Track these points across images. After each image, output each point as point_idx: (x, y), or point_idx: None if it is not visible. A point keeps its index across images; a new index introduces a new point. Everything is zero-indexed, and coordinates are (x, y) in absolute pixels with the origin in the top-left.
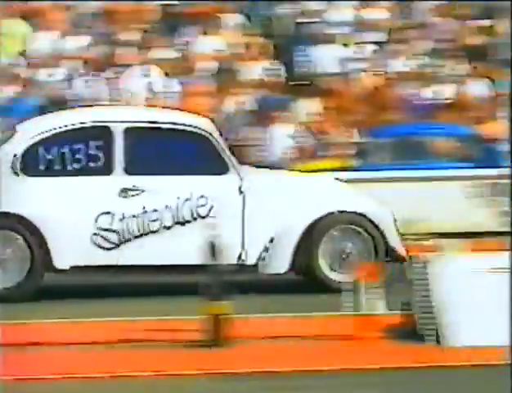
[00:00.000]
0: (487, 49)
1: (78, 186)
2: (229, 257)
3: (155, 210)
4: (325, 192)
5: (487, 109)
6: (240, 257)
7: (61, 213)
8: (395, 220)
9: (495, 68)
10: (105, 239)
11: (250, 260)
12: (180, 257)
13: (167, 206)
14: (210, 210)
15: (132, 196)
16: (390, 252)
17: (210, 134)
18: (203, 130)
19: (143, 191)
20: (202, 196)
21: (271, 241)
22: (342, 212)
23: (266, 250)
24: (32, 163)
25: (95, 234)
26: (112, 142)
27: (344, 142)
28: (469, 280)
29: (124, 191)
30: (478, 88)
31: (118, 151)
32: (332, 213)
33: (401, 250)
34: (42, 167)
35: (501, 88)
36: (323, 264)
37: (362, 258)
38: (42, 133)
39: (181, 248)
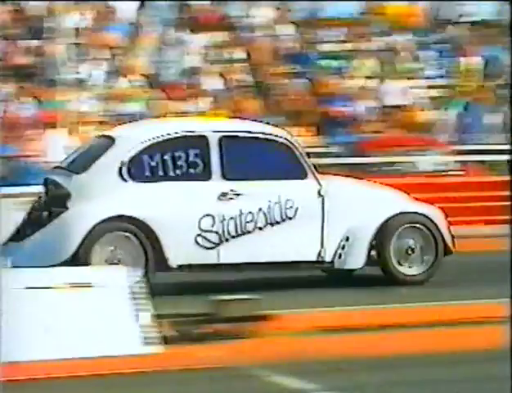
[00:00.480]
0: (34, 69)
1: (182, 190)
2: (309, 255)
3: (250, 212)
4: (388, 195)
5: (34, 127)
6: (319, 254)
7: (169, 215)
8: (446, 219)
9: (42, 88)
10: (207, 239)
11: (328, 258)
12: (271, 255)
13: (260, 209)
14: (296, 212)
15: (230, 199)
16: (444, 247)
17: (291, 143)
18: (285, 139)
19: (239, 194)
20: (289, 199)
21: (347, 239)
22: (406, 212)
23: (342, 247)
24: (138, 169)
25: (198, 235)
26: (209, 150)
27: None
28: (20, 294)
29: (223, 195)
30: (24, 108)
31: (215, 159)
32: (399, 213)
33: (452, 245)
34: (147, 173)
35: (50, 108)
36: (394, 259)
37: (424, 253)
38: (145, 141)
39: (273, 247)
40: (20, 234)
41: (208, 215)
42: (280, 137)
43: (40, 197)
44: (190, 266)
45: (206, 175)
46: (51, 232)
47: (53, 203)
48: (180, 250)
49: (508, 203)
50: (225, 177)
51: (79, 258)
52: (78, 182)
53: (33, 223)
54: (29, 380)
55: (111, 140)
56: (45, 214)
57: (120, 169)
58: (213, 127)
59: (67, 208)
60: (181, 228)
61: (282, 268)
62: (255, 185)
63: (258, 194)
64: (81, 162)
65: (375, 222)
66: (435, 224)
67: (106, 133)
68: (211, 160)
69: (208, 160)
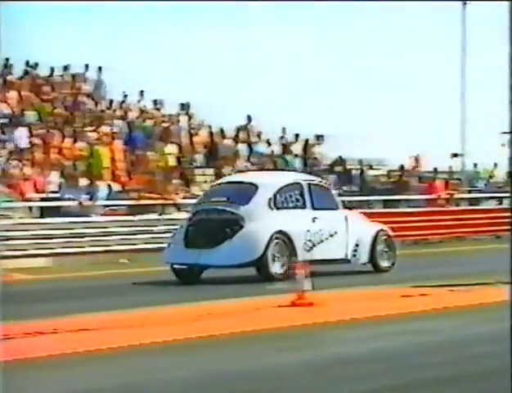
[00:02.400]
0: None
1: (296, 215)
2: (340, 255)
3: (322, 229)
4: (369, 220)
5: None
6: (346, 255)
7: (295, 229)
8: None
9: None
10: (308, 245)
11: (349, 257)
12: (329, 255)
13: (326, 227)
14: (338, 229)
15: (315, 221)
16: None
17: (329, 186)
18: (327, 184)
19: (318, 218)
20: (335, 221)
21: (357, 245)
22: (381, 229)
23: (355, 251)
24: (277, 202)
25: (304, 242)
26: (303, 191)
27: None
28: None
29: (313, 219)
30: None
31: (307, 196)
32: (379, 230)
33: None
34: (280, 204)
35: None
36: (379, 257)
37: (389, 253)
38: (278, 186)
39: (330, 250)
40: (207, 243)
41: (308, 231)
42: (325, 182)
43: (194, 219)
44: (303, 261)
45: (304, 206)
46: (239, 241)
47: (231, 223)
48: (300, 251)
49: None
50: (312, 207)
51: (263, 256)
52: (246, 210)
53: (215, 235)
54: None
55: (254, 185)
56: (227, 229)
57: (269, 202)
58: (302, 178)
59: (242, 226)
60: (300, 238)
61: (329, 264)
62: (323, 212)
63: (325, 218)
64: (239, 198)
65: (370, 235)
66: (392, 236)
67: (245, 180)
68: (305, 197)
69: (303, 197)
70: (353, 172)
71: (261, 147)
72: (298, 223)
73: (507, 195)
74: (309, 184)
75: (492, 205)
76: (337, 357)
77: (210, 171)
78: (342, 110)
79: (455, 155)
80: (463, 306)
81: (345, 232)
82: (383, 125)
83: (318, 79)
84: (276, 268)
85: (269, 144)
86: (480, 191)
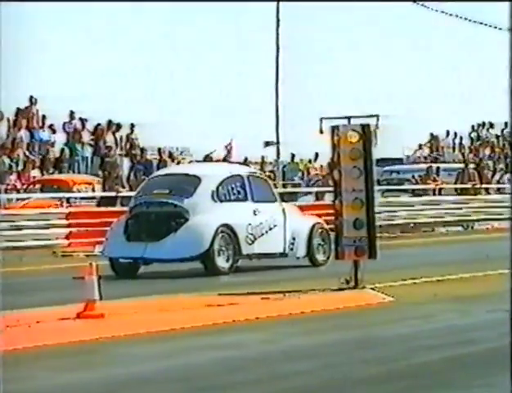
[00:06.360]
0: None
1: (238, 207)
2: (279, 248)
3: (263, 222)
4: (302, 213)
5: None
6: (284, 249)
7: (238, 223)
8: None
9: None
10: (249, 238)
11: (286, 250)
12: (270, 249)
13: (266, 220)
14: (276, 222)
15: (256, 214)
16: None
17: (268, 178)
18: (265, 176)
19: (259, 211)
20: (274, 214)
21: (294, 239)
22: (317, 222)
23: (292, 244)
24: (219, 195)
25: (247, 236)
26: (244, 183)
27: None
28: None
29: (254, 212)
30: None
31: (248, 189)
32: (315, 223)
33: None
34: (222, 197)
35: None
36: (315, 251)
37: (325, 246)
38: (220, 178)
39: (272, 242)
40: (151, 236)
41: (249, 224)
42: (264, 175)
43: (134, 212)
44: (246, 255)
45: (245, 198)
46: (185, 234)
47: (175, 216)
48: (243, 245)
49: None
50: (253, 200)
51: (210, 250)
52: (190, 203)
53: (158, 228)
54: None
55: (196, 177)
56: (172, 222)
57: (212, 194)
58: (242, 169)
59: (187, 219)
60: (243, 231)
61: (268, 258)
62: (263, 205)
63: (265, 211)
64: (182, 191)
65: (307, 229)
66: (327, 229)
67: (186, 171)
68: (246, 189)
69: (244, 189)
70: (154, 162)
71: (45, 134)
72: (240, 216)
73: (328, 189)
74: (249, 176)
75: (311, 200)
76: (130, 376)
77: None
78: (146, 95)
79: (268, 143)
80: (275, 317)
81: (283, 225)
82: (192, 113)
83: (114, 61)
84: (221, 261)
85: (53, 131)
86: (295, 186)
